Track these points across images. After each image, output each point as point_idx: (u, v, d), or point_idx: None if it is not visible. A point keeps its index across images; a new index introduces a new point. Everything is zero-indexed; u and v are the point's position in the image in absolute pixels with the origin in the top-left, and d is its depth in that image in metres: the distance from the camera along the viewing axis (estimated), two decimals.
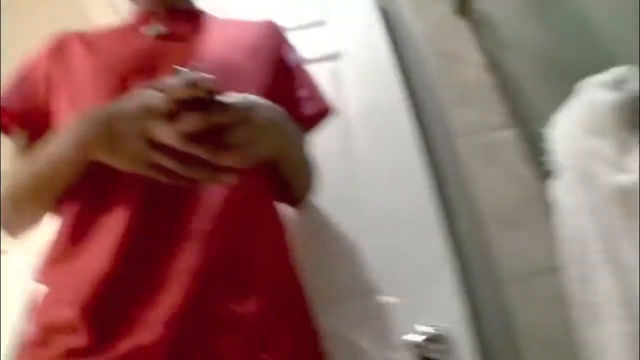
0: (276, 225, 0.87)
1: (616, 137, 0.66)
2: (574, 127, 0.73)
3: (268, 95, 0.84)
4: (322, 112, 1.02)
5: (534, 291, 0.98)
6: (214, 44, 0.90)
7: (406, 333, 0.99)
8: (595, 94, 0.71)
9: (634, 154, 0.65)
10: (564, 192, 0.75)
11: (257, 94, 0.81)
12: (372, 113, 1.21)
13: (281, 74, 0.97)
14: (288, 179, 0.93)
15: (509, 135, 1.12)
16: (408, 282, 1.03)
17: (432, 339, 0.97)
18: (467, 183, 1.09)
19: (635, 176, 0.63)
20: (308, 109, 0.99)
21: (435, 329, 0.97)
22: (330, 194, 1.09)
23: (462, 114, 1.16)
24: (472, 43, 1.28)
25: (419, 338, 0.97)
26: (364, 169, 1.14)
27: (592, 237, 0.69)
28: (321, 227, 1.10)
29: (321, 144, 1.08)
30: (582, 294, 0.73)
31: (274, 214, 0.88)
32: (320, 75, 1.15)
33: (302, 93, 1.00)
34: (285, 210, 0.98)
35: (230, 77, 0.82)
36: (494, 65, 1.24)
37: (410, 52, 1.34)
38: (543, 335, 0.96)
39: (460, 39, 1.28)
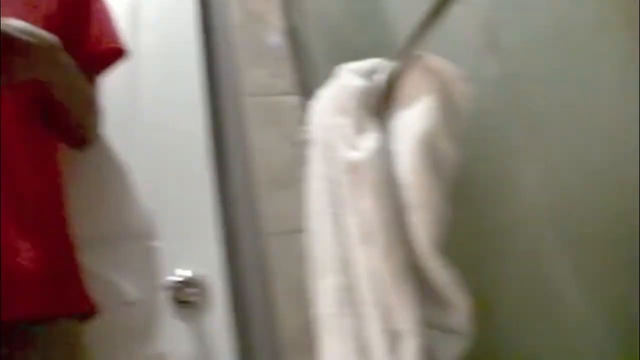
0: (41, 162, 0.88)
1: (356, 119, 0.79)
2: (327, 103, 0.85)
3: (52, 27, 0.84)
4: (113, 52, 1.03)
5: (290, 247, 1.12)
6: None
7: (167, 276, 1.07)
8: (347, 78, 0.83)
9: (367, 136, 0.78)
10: (313, 160, 0.87)
11: (37, 23, 0.80)
12: (163, 56, 1.23)
13: (73, 8, 0.96)
14: (64, 117, 0.93)
15: (292, 101, 1.23)
16: (174, 229, 1.11)
17: (187, 283, 1.05)
18: (247, 141, 1.18)
19: (364, 154, 0.76)
20: (98, 47, 1.00)
21: (193, 274, 1.06)
22: (110, 133, 1.11)
23: (254, 74, 1.24)
24: (277, 6, 1.36)
25: (175, 281, 1.05)
26: (147, 111, 1.17)
27: (326, 202, 0.81)
28: (96, 166, 1.11)
29: (108, 80, 1.08)
30: (313, 251, 0.86)
31: (41, 150, 0.89)
32: (119, 9, 1.15)
33: (95, 30, 1.00)
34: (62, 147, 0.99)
35: (6, 3, 0.80)
36: (293, 32, 1.33)
37: (218, 6, 1.38)
38: (294, 286, 1.10)
39: (266, 0, 1.35)
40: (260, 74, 1.25)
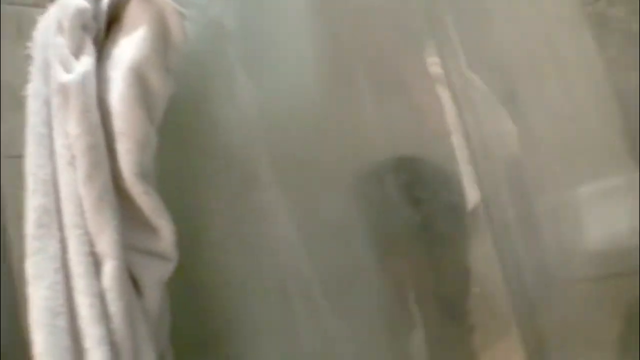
0: None
1: (74, 41, 0.85)
2: (50, 22, 0.90)
3: None
4: None
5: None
6: None
7: None
8: None
9: (82, 59, 0.85)
10: (33, 78, 0.92)
11: None
12: None
13: None
14: None
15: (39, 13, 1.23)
16: None
17: None
18: None
19: (75, 77, 0.83)
20: None
21: None
22: None
23: None
24: None
25: None
26: None
27: (40, 122, 0.87)
28: None
29: None
30: (27, 172, 0.91)
31: None
32: None
33: None
34: None
35: None
36: None
37: None
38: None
39: None
40: None
